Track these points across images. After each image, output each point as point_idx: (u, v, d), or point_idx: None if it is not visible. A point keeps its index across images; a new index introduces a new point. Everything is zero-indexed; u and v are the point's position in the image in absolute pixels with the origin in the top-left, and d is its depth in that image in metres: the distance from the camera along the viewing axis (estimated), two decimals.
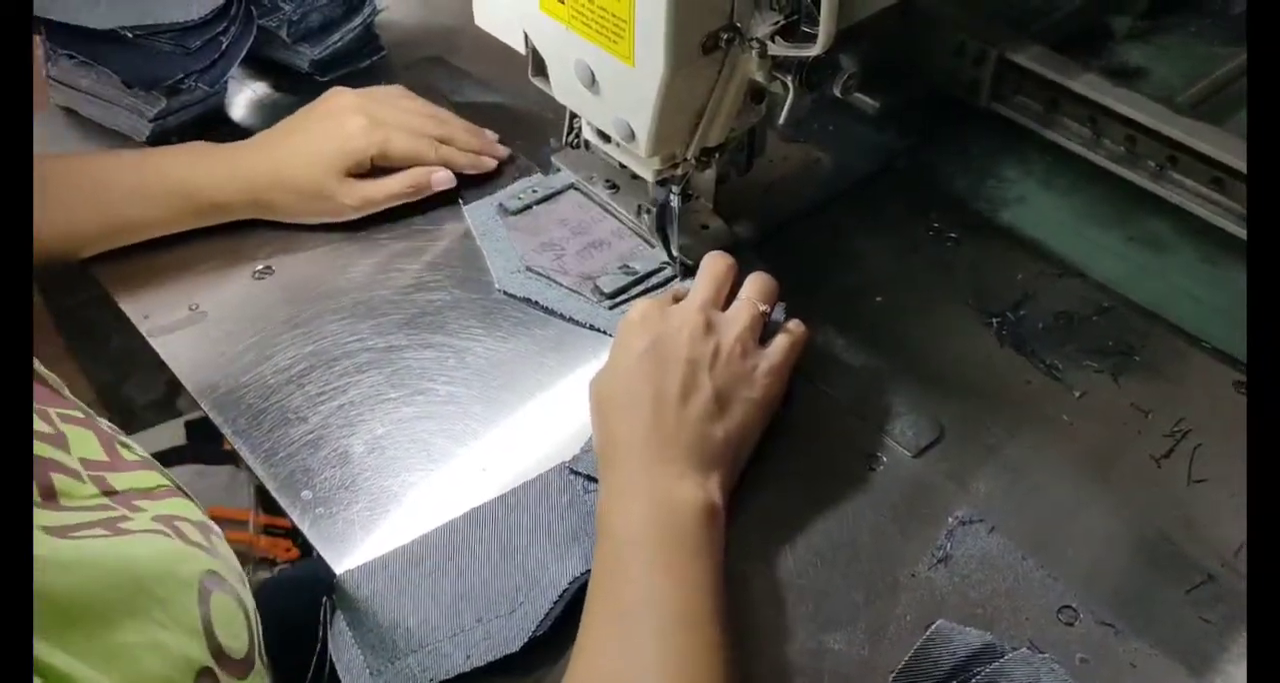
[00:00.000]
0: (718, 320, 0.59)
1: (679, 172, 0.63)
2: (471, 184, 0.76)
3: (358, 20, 0.87)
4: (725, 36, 0.54)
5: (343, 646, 0.53)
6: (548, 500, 0.58)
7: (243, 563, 1.23)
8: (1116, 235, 0.74)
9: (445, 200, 0.77)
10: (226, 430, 0.63)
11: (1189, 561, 0.56)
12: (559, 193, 0.75)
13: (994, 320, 0.68)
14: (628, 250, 0.71)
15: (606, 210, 0.73)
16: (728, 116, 0.59)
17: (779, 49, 0.54)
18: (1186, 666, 0.52)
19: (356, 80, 0.87)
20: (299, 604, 0.80)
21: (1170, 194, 0.73)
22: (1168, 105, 0.73)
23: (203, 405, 0.65)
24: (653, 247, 0.71)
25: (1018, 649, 0.49)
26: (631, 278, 0.69)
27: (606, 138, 0.64)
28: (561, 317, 0.68)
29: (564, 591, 0.53)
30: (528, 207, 0.74)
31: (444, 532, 0.56)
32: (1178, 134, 0.71)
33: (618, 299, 0.68)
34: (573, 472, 0.59)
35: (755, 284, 0.63)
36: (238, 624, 0.44)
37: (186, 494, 0.51)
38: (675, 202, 0.66)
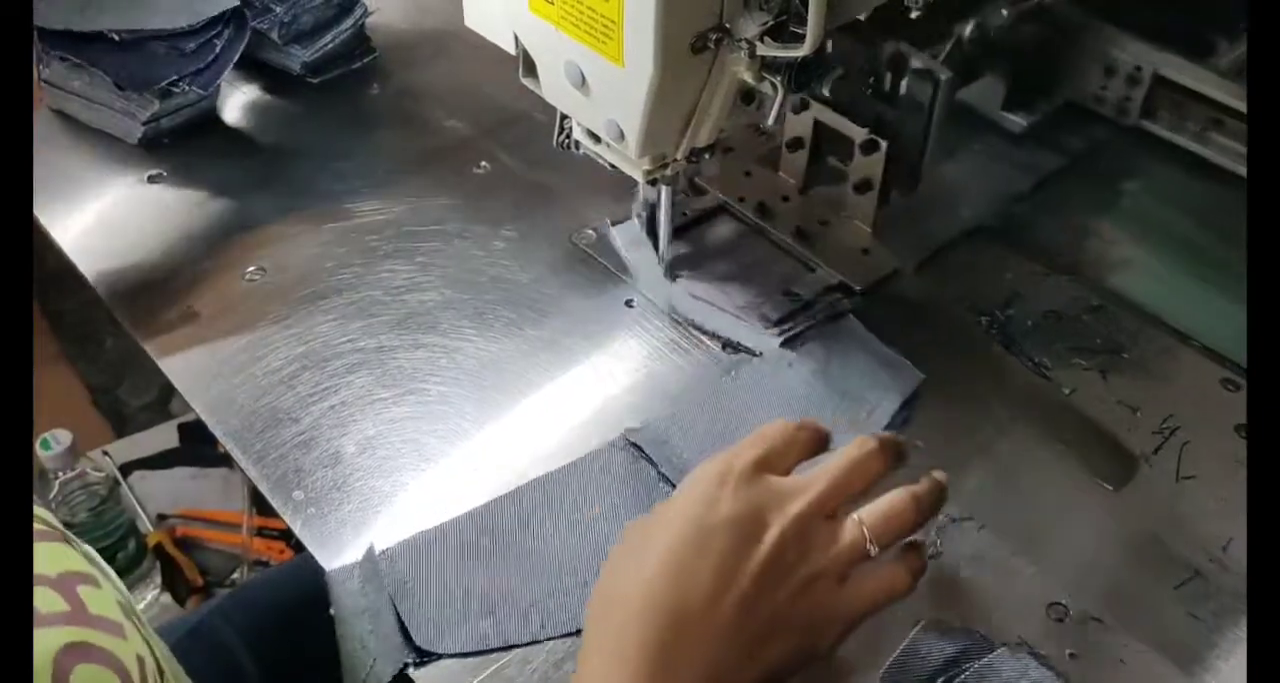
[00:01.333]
0: (818, 536, 0.46)
1: (669, 172, 0.63)
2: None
3: (349, 22, 0.87)
4: (714, 37, 0.54)
5: (408, 605, 0.54)
6: (610, 473, 0.59)
7: (237, 566, 1.22)
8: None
9: (440, 200, 0.77)
10: (218, 431, 0.63)
11: (1177, 557, 0.57)
12: (709, 214, 0.75)
13: (983, 319, 0.69)
14: (787, 273, 0.71)
15: (759, 232, 0.73)
16: (717, 117, 0.59)
17: (768, 49, 0.54)
18: (1175, 661, 0.52)
19: (348, 82, 0.88)
20: (292, 595, 0.80)
21: None
22: None
23: (194, 406, 0.65)
24: (812, 270, 0.71)
25: (1006, 645, 0.50)
26: (798, 304, 0.68)
27: (596, 138, 0.64)
28: (729, 343, 0.67)
29: None
30: (678, 230, 0.72)
31: (510, 501, 0.58)
32: None
33: (785, 327, 0.67)
34: (630, 443, 0.60)
35: (883, 516, 0.48)
36: None
37: (47, 529, 0.47)
38: (665, 202, 0.67)
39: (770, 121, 0.58)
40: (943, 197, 0.76)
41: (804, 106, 0.71)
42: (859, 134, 0.68)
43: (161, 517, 1.38)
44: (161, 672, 0.46)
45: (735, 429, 0.61)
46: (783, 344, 0.66)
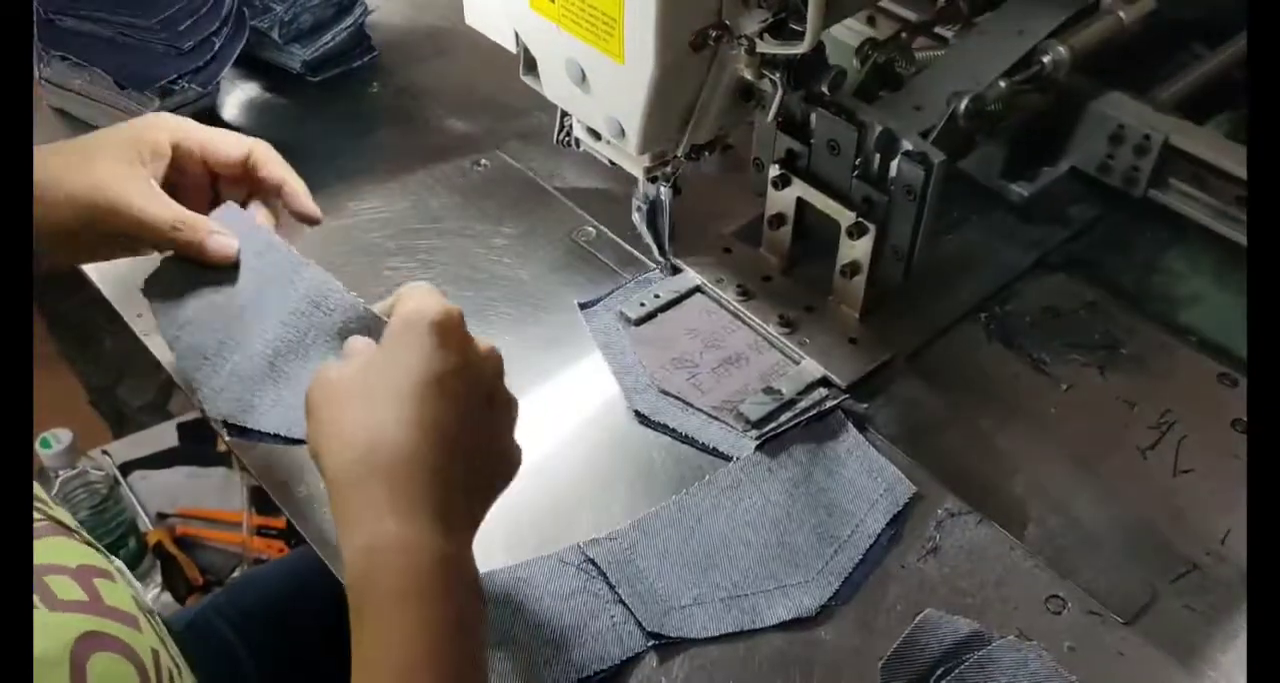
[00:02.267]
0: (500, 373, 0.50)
1: (669, 168, 0.63)
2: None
3: (349, 21, 0.87)
4: (714, 34, 0.54)
5: None
6: (553, 585, 0.55)
7: (236, 564, 1.23)
8: None
9: (440, 197, 0.78)
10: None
11: (1175, 550, 0.57)
12: (684, 297, 0.69)
13: (982, 315, 0.69)
14: (769, 368, 0.65)
15: (739, 318, 0.68)
16: (717, 113, 0.60)
17: (767, 47, 0.54)
18: (1173, 653, 0.53)
19: (348, 80, 0.88)
20: (286, 590, 0.81)
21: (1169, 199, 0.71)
22: None
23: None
24: (796, 362, 0.65)
25: (1005, 637, 0.50)
26: (778, 402, 0.62)
27: (597, 135, 0.64)
28: (703, 447, 0.62)
29: None
30: (651, 314, 0.68)
31: None
32: None
33: (765, 429, 0.61)
34: (587, 558, 0.56)
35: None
36: (124, 680, 0.42)
37: (65, 527, 0.48)
38: (666, 198, 0.67)
39: (769, 118, 0.58)
40: (938, 276, 0.69)
41: (786, 183, 0.66)
42: (846, 217, 0.63)
43: (161, 516, 1.38)
44: (177, 667, 0.47)
45: (712, 550, 0.57)
46: (760, 446, 0.60)
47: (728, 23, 0.54)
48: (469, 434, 0.46)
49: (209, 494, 1.41)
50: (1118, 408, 0.64)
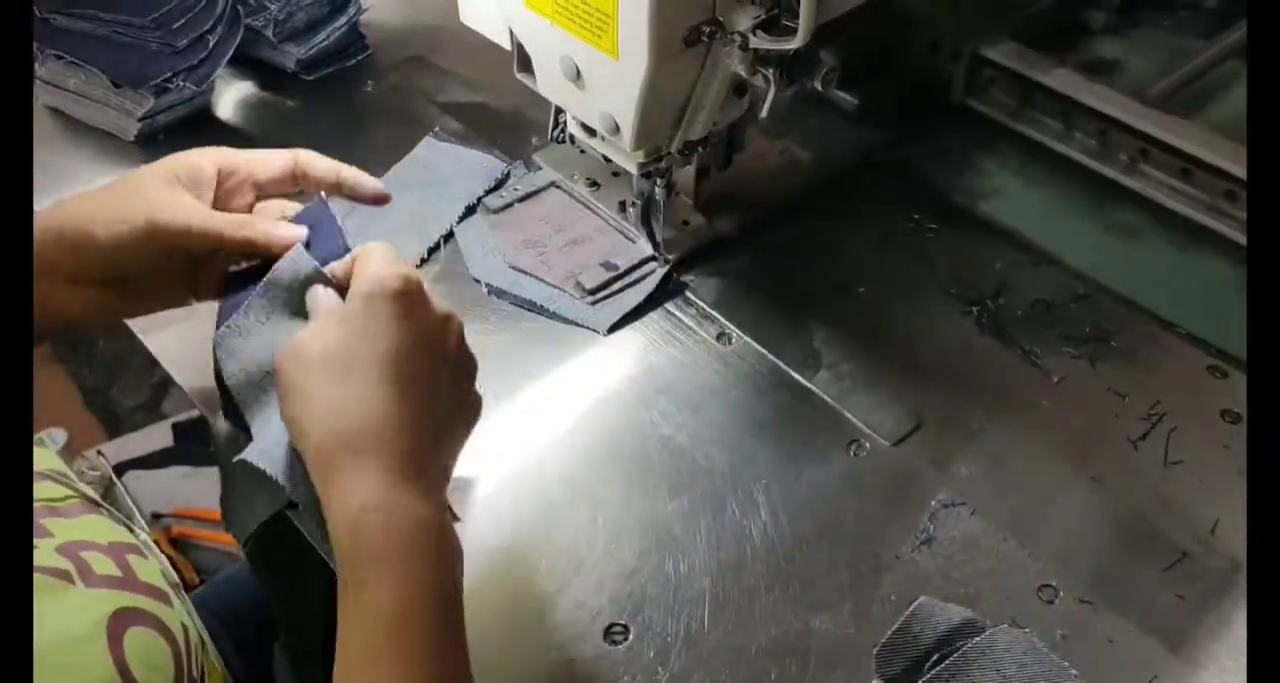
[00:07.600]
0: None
1: (663, 164, 0.64)
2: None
3: (343, 19, 0.88)
4: (707, 30, 0.55)
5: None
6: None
7: (229, 563, 1.22)
8: (1092, 225, 0.75)
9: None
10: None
11: (1165, 539, 0.58)
12: (541, 190, 0.76)
13: (974, 309, 0.70)
14: (610, 247, 0.72)
15: (588, 207, 0.74)
16: (710, 110, 0.60)
17: (760, 42, 0.55)
18: (1163, 641, 0.54)
19: (342, 79, 0.88)
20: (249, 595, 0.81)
21: (1142, 186, 0.75)
22: (1139, 99, 0.75)
23: (194, 400, 0.65)
24: (633, 242, 0.71)
25: (999, 625, 0.51)
26: (613, 273, 0.69)
27: (591, 132, 0.65)
28: (544, 312, 0.68)
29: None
30: (509, 204, 0.74)
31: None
32: (1148, 127, 0.73)
33: (599, 295, 0.69)
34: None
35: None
36: (158, 654, 0.43)
37: (97, 503, 0.48)
38: (660, 194, 0.67)
39: (763, 115, 0.59)
40: (771, 171, 0.78)
41: None
42: None
43: (156, 516, 1.38)
44: (203, 642, 0.47)
45: None
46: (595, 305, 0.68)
47: (721, 19, 0.55)
48: (441, 397, 0.49)
49: (204, 494, 1.41)
50: (1109, 400, 0.65)
